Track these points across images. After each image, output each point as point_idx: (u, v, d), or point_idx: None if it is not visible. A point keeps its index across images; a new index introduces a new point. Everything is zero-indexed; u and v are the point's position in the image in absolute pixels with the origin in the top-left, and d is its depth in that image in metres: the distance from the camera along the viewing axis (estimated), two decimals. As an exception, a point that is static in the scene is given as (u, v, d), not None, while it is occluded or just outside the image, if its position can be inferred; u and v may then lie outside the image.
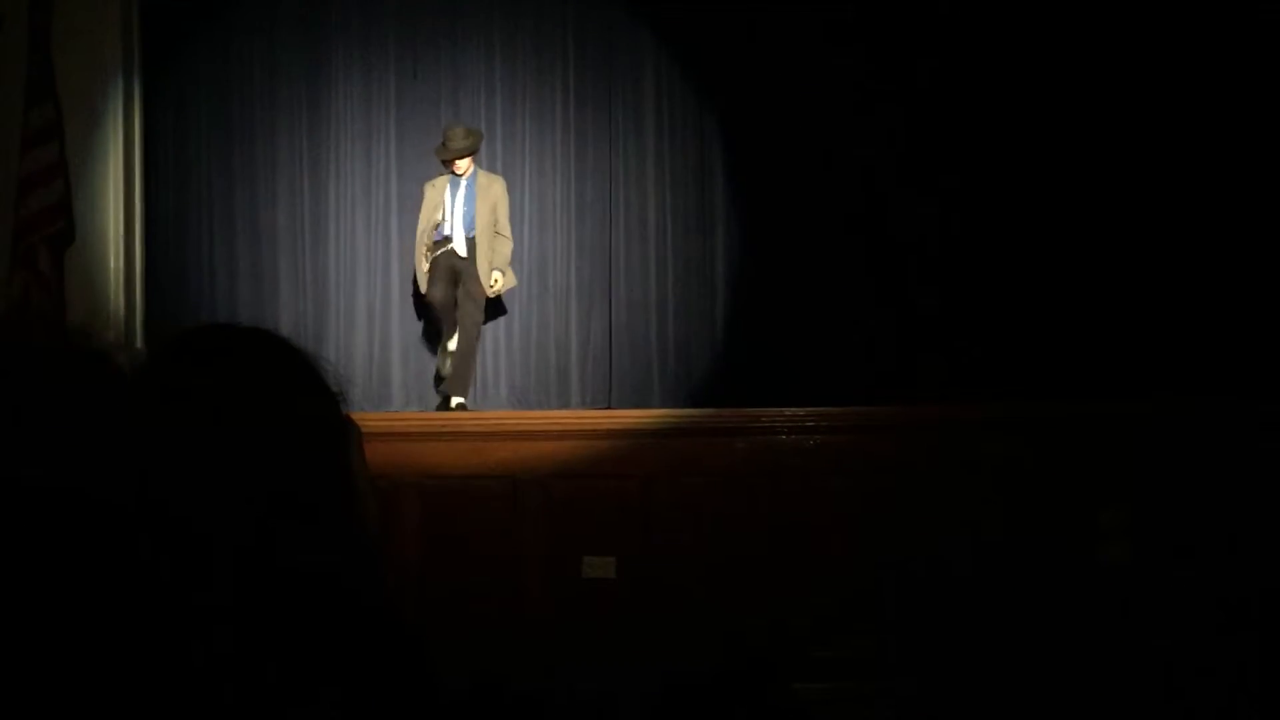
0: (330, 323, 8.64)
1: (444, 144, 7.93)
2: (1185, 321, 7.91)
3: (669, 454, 6.88)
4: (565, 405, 8.48)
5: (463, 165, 7.86)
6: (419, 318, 8.49)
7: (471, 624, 6.30)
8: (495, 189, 7.92)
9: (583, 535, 6.71)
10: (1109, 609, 6.37)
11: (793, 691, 2.87)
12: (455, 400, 7.80)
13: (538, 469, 6.83)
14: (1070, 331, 8.05)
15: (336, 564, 0.83)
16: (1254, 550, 6.37)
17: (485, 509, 6.74)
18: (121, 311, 7.16)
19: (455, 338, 7.89)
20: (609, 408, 8.34)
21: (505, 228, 7.90)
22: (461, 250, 7.80)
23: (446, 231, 7.82)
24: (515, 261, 8.09)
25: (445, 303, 7.83)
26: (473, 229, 7.82)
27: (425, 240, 7.86)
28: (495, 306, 8.25)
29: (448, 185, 7.87)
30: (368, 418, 6.28)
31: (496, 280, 7.83)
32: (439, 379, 8.12)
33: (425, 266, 7.87)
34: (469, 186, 7.87)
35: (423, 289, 7.96)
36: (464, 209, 7.83)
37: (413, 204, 8.12)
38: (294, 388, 0.87)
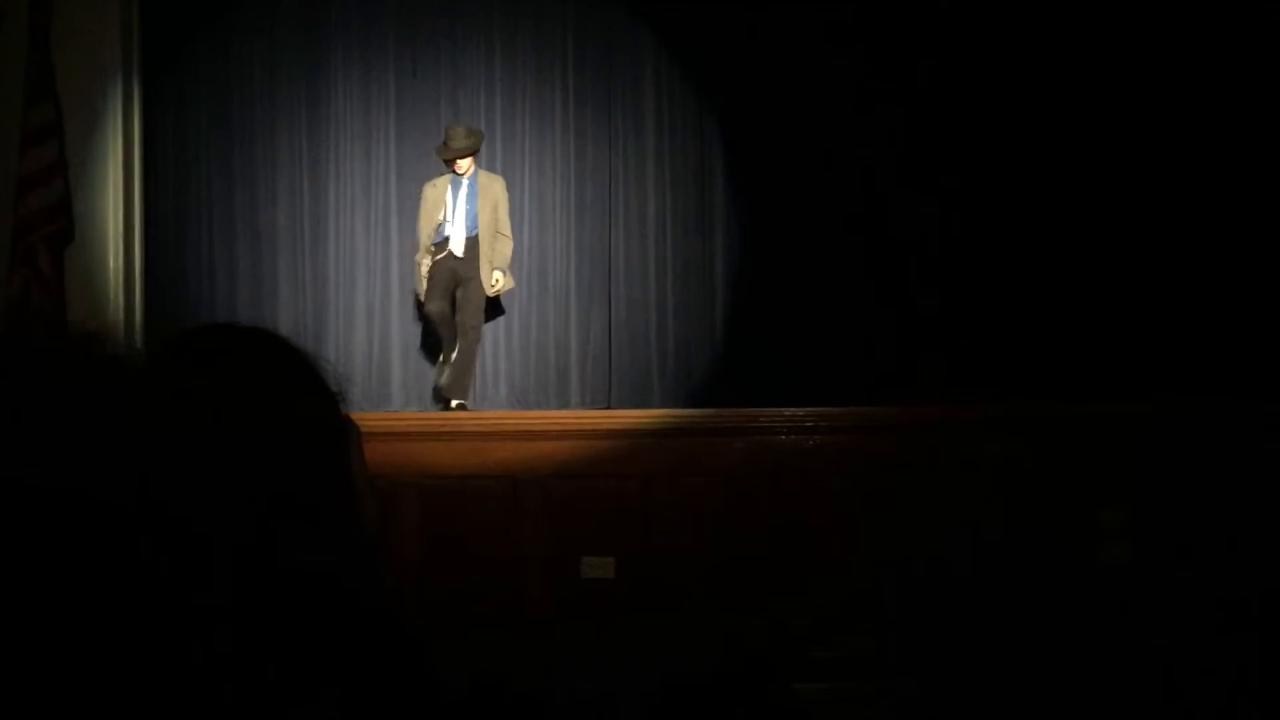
0: (330, 322, 8.64)
1: (445, 143, 7.93)
2: (1185, 321, 7.92)
3: (668, 454, 6.88)
4: (565, 405, 8.49)
5: (464, 165, 7.86)
6: (419, 321, 8.49)
7: (471, 624, 6.30)
8: (496, 189, 7.93)
9: (582, 535, 6.71)
10: (1109, 609, 6.37)
11: (793, 691, 2.87)
12: (455, 401, 7.80)
13: (537, 469, 6.83)
14: (1070, 331, 8.05)
15: (336, 564, 0.83)
16: (1254, 550, 6.37)
17: (485, 509, 6.74)
18: (121, 311, 7.16)
19: (455, 349, 7.87)
20: (608, 408, 8.34)
21: (506, 227, 7.90)
22: (459, 250, 7.79)
23: (447, 232, 7.81)
24: (515, 261, 8.09)
25: (444, 316, 7.82)
26: (474, 229, 7.82)
27: (426, 242, 7.86)
28: (494, 306, 8.25)
29: (449, 185, 7.87)
30: (367, 417, 6.28)
31: (497, 280, 7.83)
32: (437, 391, 8.10)
33: (425, 270, 7.85)
34: (470, 186, 7.87)
35: (421, 294, 7.95)
36: (466, 208, 7.83)
37: (413, 204, 8.12)
38: (294, 387, 0.86)
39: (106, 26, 7.25)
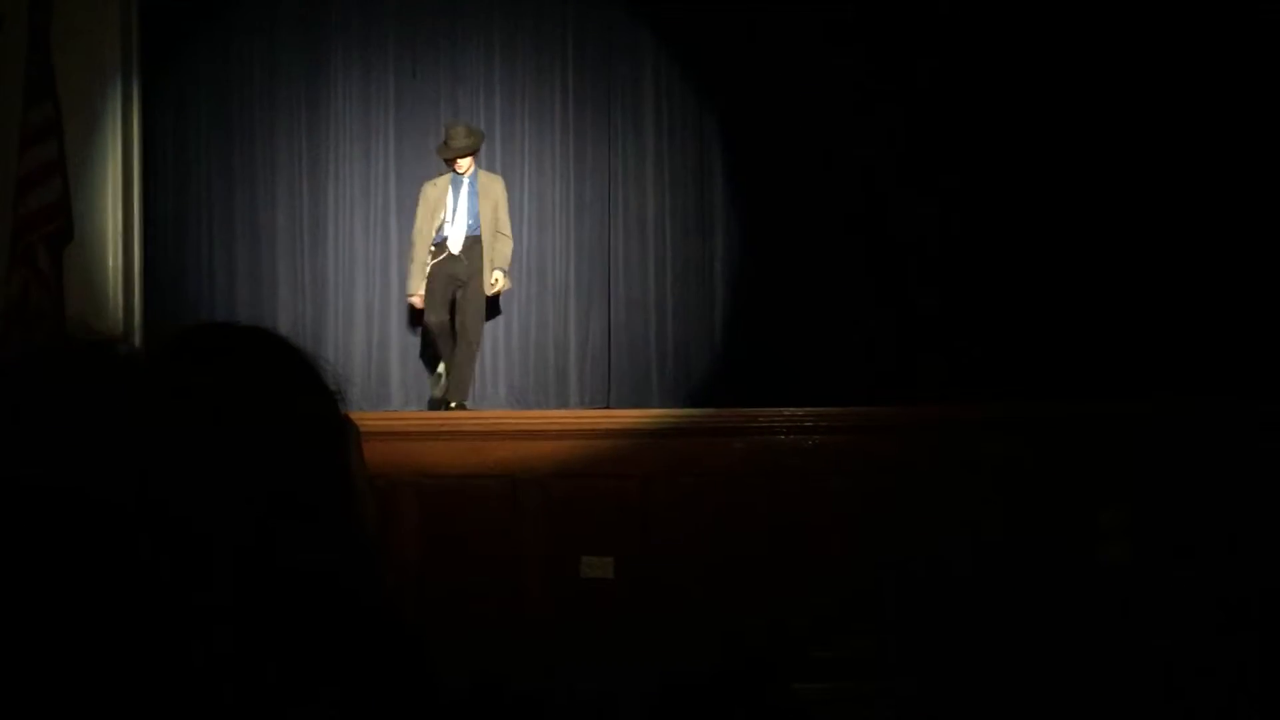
0: (329, 322, 8.64)
1: (445, 142, 7.93)
2: (1185, 321, 7.92)
3: (668, 454, 6.88)
4: (564, 405, 8.49)
5: (464, 164, 7.86)
6: (410, 318, 8.48)
7: (471, 624, 6.30)
8: (496, 188, 7.93)
9: (582, 535, 6.71)
10: (1109, 609, 6.37)
11: (792, 691, 2.86)
12: (453, 401, 7.79)
13: (537, 469, 6.82)
14: (1070, 331, 8.05)
15: (336, 564, 0.83)
16: (1254, 550, 6.36)
17: (484, 509, 6.74)
18: (120, 311, 7.16)
19: (452, 358, 7.85)
20: (608, 407, 8.34)
21: (506, 227, 7.90)
22: (457, 249, 7.79)
23: (446, 232, 7.81)
24: (515, 261, 8.09)
25: (443, 328, 7.80)
26: (476, 228, 7.82)
27: (424, 239, 7.84)
28: (492, 307, 8.25)
29: (449, 184, 7.87)
30: (366, 417, 6.27)
31: (497, 280, 7.83)
32: (433, 402, 8.08)
33: (424, 268, 7.84)
34: (471, 185, 7.87)
35: (411, 291, 7.91)
36: (466, 208, 7.84)
37: (412, 205, 8.11)
38: (293, 387, 0.86)
39: (106, 26, 7.25)
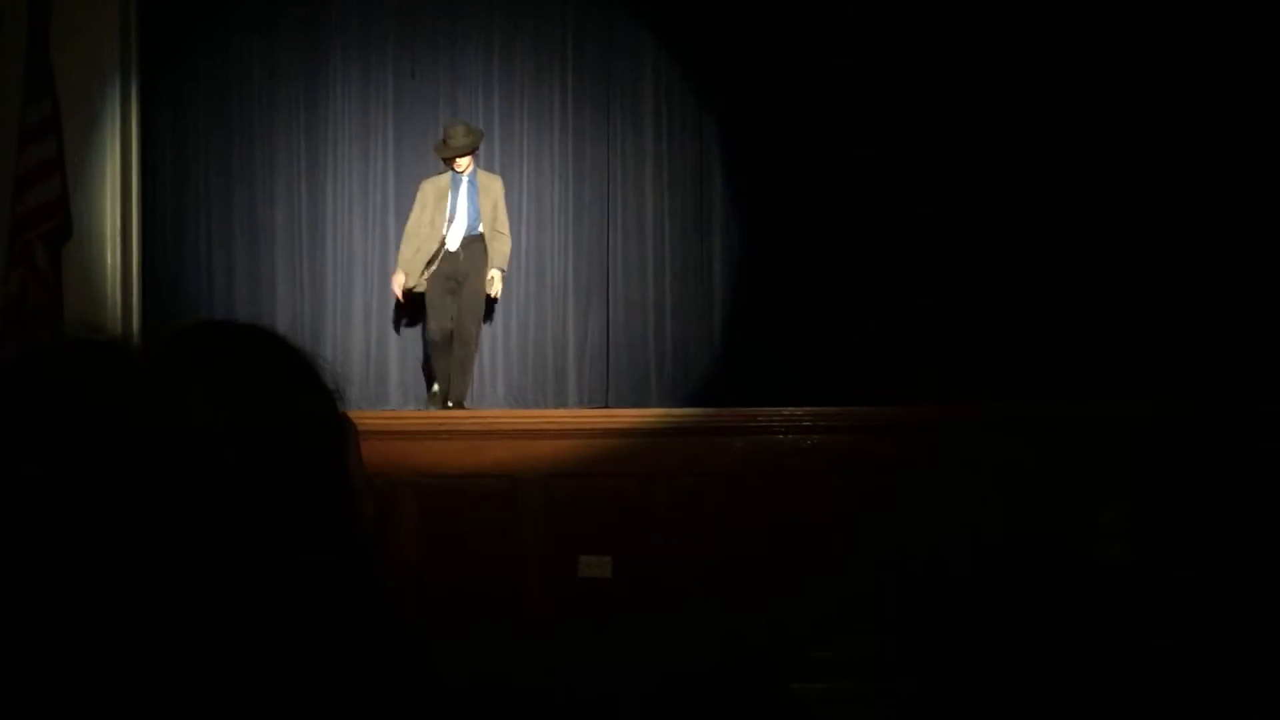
0: (327, 322, 8.64)
1: (444, 141, 7.93)
2: (1185, 321, 7.92)
3: (667, 454, 6.87)
4: (563, 405, 8.49)
5: (463, 163, 7.86)
6: (401, 315, 8.47)
7: (471, 624, 6.29)
8: (495, 187, 7.93)
9: (582, 535, 6.70)
10: (1109, 609, 6.37)
11: (792, 691, 2.86)
12: (451, 400, 7.78)
13: (536, 468, 6.82)
14: (1070, 331, 8.05)
15: (335, 563, 0.83)
16: (1254, 550, 6.36)
17: (484, 509, 6.74)
18: (119, 309, 7.15)
19: (448, 370, 7.84)
20: (606, 407, 8.34)
21: (504, 225, 7.91)
22: (455, 246, 7.80)
23: (444, 231, 7.81)
24: (514, 261, 8.09)
25: (445, 335, 7.78)
26: (475, 227, 7.83)
27: (421, 234, 7.83)
28: (490, 306, 8.25)
29: (449, 183, 7.87)
30: (364, 416, 6.27)
31: (493, 279, 7.84)
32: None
33: (410, 263, 7.82)
34: (470, 184, 7.87)
35: (397, 287, 7.88)
36: (466, 207, 7.84)
37: (410, 204, 8.09)
38: (291, 386, 0.86)
39: (105, 26, 7.24)
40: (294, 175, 8.67)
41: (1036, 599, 6.37)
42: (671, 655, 5.89)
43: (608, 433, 7.04)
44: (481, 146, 8.10)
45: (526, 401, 8.52)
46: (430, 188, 7.89)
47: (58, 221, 6.97)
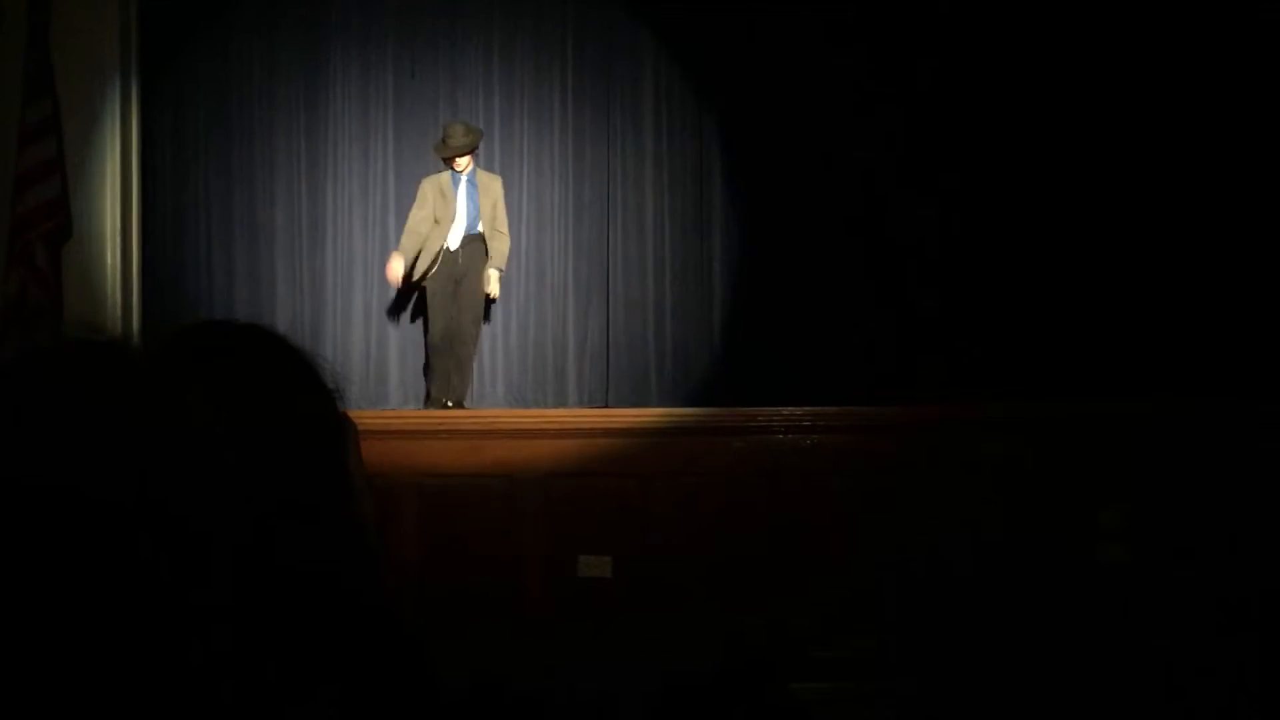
0: (327, 321, 8.64)
1: (444, 141, 7.93)
2: (1185, 321, 7.92)
3: (667, 453, 6.87)
4: (562, 404, 8.49)
5: (462, 163, 7.86)
6: (398, 306, 8.47)
7: (471, 624, 6.29)
8: (495, 187, 7.94)
9: (581, 535, 6.70)
10: (1109, 609, 6.37)
11: (792, 691, 2.86)
12: (449, 400, 7.78)
13: (536, 468, 6.82)
14: (1070, 331, 8.05)
15: (335, 563, 0.82)
16: (1254, 550, 6.36)
17: (484, 508, 6.73)
18: (119, 309, 7.15)
19: (447, 375, 7.83)
20: (606, 407, 8.34)
21: (503, 225, 7.91)
22: (455, 245, 7.80)
23: (446, 230, 7.81)
24: (513, 260, 8.10)
25: (447, 336, 7.78)
26: (475, 226, 7.84)
27: (419, 233, 7.82)
28: (490, 306, 8.25)
29: (449, 182, 7.87)
30: (364, 416, 6.27)
31: (490, 279, 7.84)
32: (429, 402, 8.04)
33: (409, 253, 7.83)
34: (470, 184, 7.88)
35: (393, 271, 7.87)
36: (465, 206, 7.84)
37: (410, 204, 8.10)
38: (291, 385, 0.86)
39: (105, 25, 7.24)
40: (294, 175, 8.67)
41: (1036, 599, 6.37)
42: (671, 655, 5.89)
43: (608, 433, 7.04)
44: (481, 146, 8.11)
45: (526, 401, 8.52)
46: (430, 185, 7.89)
47: (58, 221, 6.96)
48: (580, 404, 8.51)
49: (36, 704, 0.72)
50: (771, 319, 8.39)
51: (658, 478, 6.82)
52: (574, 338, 8.69)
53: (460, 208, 7.83)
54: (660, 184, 8.75)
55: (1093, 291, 8.08)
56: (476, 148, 7.96)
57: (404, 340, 8.62)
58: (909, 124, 8.26)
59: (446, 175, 7.89)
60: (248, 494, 0.77)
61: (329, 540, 0.82)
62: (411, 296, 8.43)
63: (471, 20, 8.76)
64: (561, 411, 8.08)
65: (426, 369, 8.24)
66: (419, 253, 7.82)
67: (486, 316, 8.22)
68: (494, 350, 8.58)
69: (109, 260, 7.24)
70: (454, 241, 7.81)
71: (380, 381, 8.59)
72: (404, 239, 7.90)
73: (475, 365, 8.17)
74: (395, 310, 8.59)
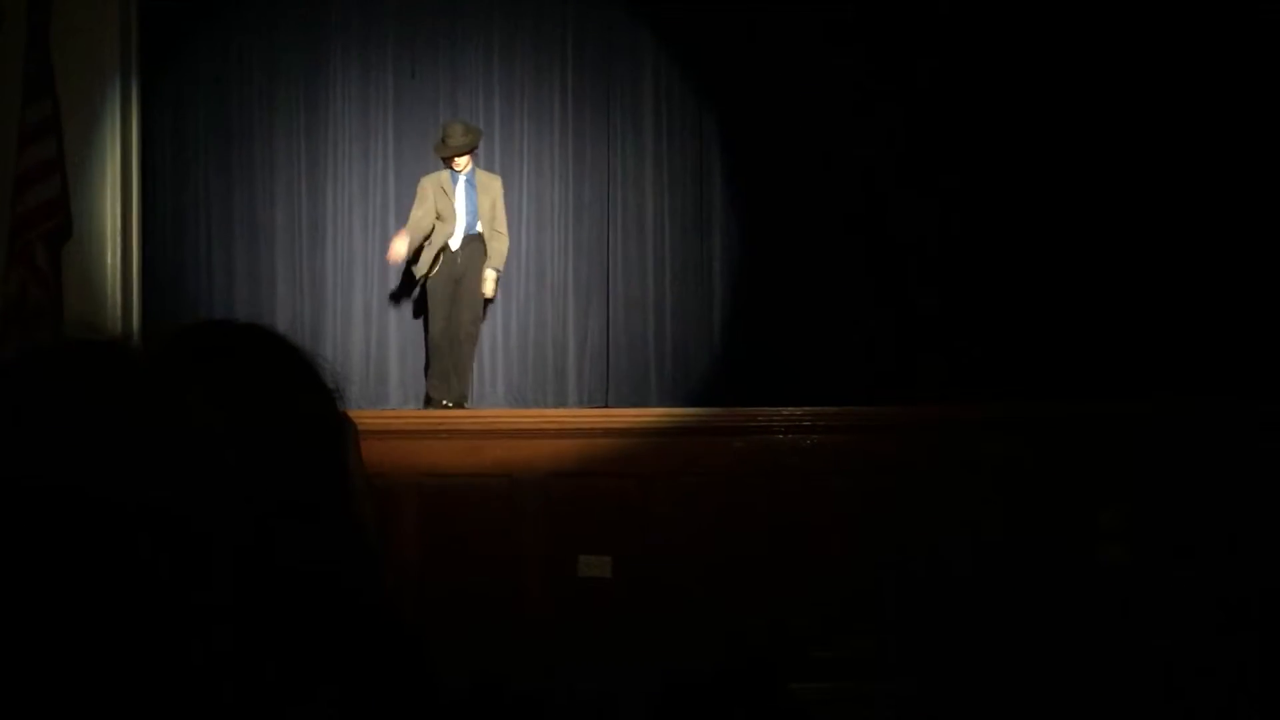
0: (327, 321, 8.64)
1: (443, 140, 7.93)
2: (1185, 321, 7.92)
3: (667, 453, 6.87)
4: (562, 404, 8.49)
5: (462, 162, 7.86)
6: (398, 299, 8.47)
7: (471, 624, 6.29)
8: (494, 187, 7.94)
9: (582, 534, 6.70)
10: (1109, 609, 6.37)
11: (792, 691, 2.86)
12: (449, 400, 7.78)
13: (536, 468, 6.82)
14: (1070, 331, 8.05)
15: (335, 563, 0.82)
16: (1254, 550, 6.36)
17: (484, 508, 6.73)
18: (119, 309, 7.16)
19: (447, 373, 7.83)
20: (606, 407, 8.34)
21: (502, 225, 7.91)
22: (456, 244, 7.80)
23: (448, 227, 7.81)
24: (513, 260, 8.10)
25: (446, 337, 7.78)
26: (473, 226, 7.84)
27: (420, 229, 7.82)
28: (490, 306, 8.25)
29: (449, 181, 7.87)
30: (364, 415, 6.27)
31: (488, 278, 7.84)
32: (429, 402, 8.05)
33: (420, 262, 7.84)
34: (469, 183, 7.88)
35: (394, 251, 7.86)
36: (465, 206, 7.84)
37: (410, 204, 8.10)
38: (291, 385, 0.86)
39: (105, 25, 7.24)
40: (294, 175, 8.67)
41: (1036, 599, 6.37)
42: (672, 655, 5.89)
43: (608, 433, 7.04)
44: (481, 146, 8.11)
45: (526, 401, 8.52)
46: (430, 183, 7.90)
47: (58, 221, 6.96)
48: (580, 404, 8.51)
49: (37, 704, 0.72)
50: (771, 319, 8.39)
51: (658, 478, 6.82)
52: (574, 338, 8.69)
53: (459, 207, 7.83)
54: (660, 184, 8.75)
55: (1092, 291, 8.08)
56: (476, 147, 7.96)
57: (404, 340, 8.62)
58: (909, 124, 8.25)
59: (446, 174, 7.89)
60: (248, 494, 0.77)
61: (329, 540, 0.82)
62: (411, 296, 8.43)
63: (471, 20, 8.76)
64: (561, 411, 8.08)
65: (427, 369, 8.25)
66: (421, 247, 7.82)
67: (487, 316, 8.22)
68: (494, 350, 8.58)
69: (109, 260, 7.24)
70: (454, 241, 7.82)
71: (380, 381, 8.59)
72: (407, 233, 7.89)
73: (475, 365, 8.17)
74: (395, 310, 8.59)
